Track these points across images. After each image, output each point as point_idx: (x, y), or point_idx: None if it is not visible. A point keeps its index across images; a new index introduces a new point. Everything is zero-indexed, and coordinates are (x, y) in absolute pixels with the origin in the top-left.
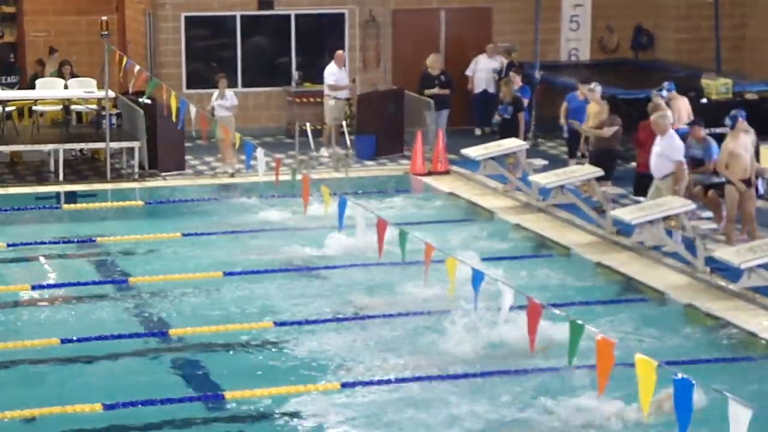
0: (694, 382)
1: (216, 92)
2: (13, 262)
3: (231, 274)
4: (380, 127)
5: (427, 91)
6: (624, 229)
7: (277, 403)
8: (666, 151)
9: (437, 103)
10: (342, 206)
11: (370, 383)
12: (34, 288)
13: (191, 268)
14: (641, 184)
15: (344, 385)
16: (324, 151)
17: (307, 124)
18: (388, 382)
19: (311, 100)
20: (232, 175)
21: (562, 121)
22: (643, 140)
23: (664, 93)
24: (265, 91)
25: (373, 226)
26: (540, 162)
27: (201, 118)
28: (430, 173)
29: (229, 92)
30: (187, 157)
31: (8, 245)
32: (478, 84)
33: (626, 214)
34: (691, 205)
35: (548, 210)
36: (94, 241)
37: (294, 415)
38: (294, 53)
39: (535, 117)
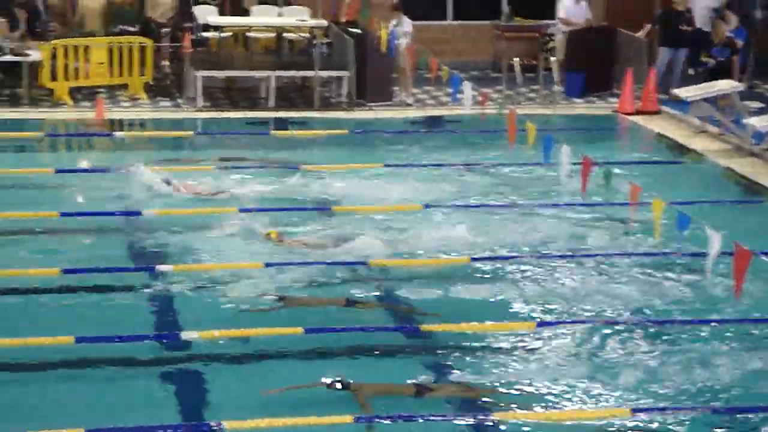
0: None
1: (394, 20)
2: (226, 184)
3: (430, 206)
4: (590, 65)
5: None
6: None
7: (472, 339)
8: None
9: (678, 41)
10: (548, 143)
11: (571, 322)
12: (240, 210)
13: (392, 199)
14: None
15: (540, 324)
16: (555, 87)
17: (515, 59)
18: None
19: (521, 35)
20: (406, 105)
21: None
22: None
23: None
24: (474, 25)
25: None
26: (756, 105)
27: (409, 49)
28: (638, 112)
29: (406, 19)
30: (394, 88)
31: (216, 168)
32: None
33: None
34: None
35: (762, 155)
36: (297, 168)
37: (490, 350)
38: None
39: (754, 59)
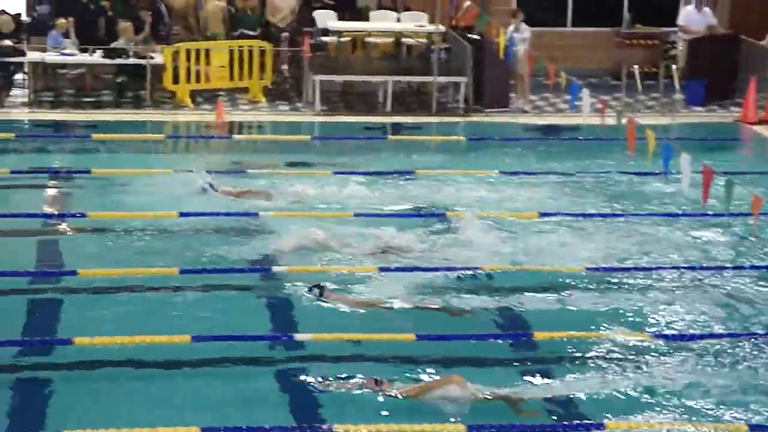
0: None
1: (512, 25)
2: (334, 186)
3: (547, 215)
4: (712, 73)
5: None
6: None
7: (583, 347)
8: None
9: None
10: (667, 152)
11: (687, 337)
12: (356, 215)
13: (506, 206)
14: None
15: (657, 336)
16: (676, 96)
17: (635, 67)
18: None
19: (641, 42)
20: (523, 112)
21: None
22: None
23: None
24: (594, 31)
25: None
26: None
27: (527, 56)
28: (762, 122)
29: (524, 25)
30: (511, 95)
31: (334, 172)
32: None
33: None
34: None
35: None
36: (413, 173)
37: (605, 359)
38: None
39: None
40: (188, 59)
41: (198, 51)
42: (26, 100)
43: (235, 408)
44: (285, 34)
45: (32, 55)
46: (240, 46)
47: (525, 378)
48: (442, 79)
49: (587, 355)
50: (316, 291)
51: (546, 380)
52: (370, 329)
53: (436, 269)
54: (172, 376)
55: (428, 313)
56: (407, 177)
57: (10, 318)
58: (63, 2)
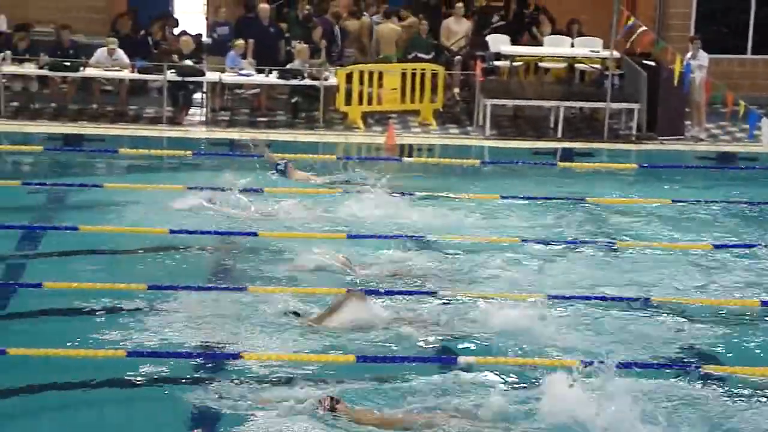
0: None
1: (689, 52)
2: (507, 214)
3: (721, 246)
4: None
5: None
6: None
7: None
8: None
9: None
10: None
11: None
12: (525, 241)
13: (678, 237)
14: None
15: None
16: None
17: None
18: None
19: None
20: (698, 141)
21: None
22: None
23: None
24: None
25: None
26: None
27: (705, 83)
28: None
29: (702, 52)
30: (686, 123)
31: (501, 197)
32: None
33: None
34: None
35: None
36: (584, 200)
37: None
38: None
39: None
40: (361, 81)
41: (371, 73)
42: (203, 119)
43: None
44: (458, 58)
45: (211, 76)
46: (413, 69)
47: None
48: (616, 105)
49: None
50: (292, 315)
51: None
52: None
53: (603, 297)
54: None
55: None
56: (575, 203)
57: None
58: (243, 24)
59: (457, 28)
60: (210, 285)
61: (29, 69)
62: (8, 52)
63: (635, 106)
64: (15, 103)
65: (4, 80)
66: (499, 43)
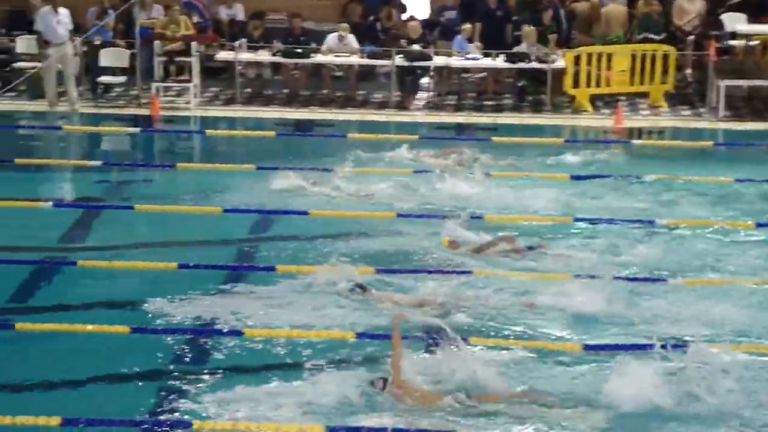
0: None
1: None
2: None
3: None
4: None
5: None
6: None
7: None
8: None
9: None
10: None
11: None
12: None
13: None
14: None
15: None
16: None
17: None
18: None
19: None
20: None
21: None
22: None
23: None
24: None
25: None
26: None
27: None
28: None
29: None
30: None
31: (735, 180)
32: None
33: None
34: None
35: None
36: None
37: None
38: None
39: None
40: (589, 63)
41: (600, 55)
42: (429, 103)
43: None
44: (691, 38)
45: (438, 60)
46: (643, 50)
47: None
48: None
49: None
50: (359, 290)
51: None
52: None
53: None
54: None
55: None
56: None
57: None
58: (470, 8)
59: (689, 6)
60: None
61: (263, 56)
62: (244, 40)
63: None
64: (249, 90)
65: (239, 67)
66: (734, 21)
